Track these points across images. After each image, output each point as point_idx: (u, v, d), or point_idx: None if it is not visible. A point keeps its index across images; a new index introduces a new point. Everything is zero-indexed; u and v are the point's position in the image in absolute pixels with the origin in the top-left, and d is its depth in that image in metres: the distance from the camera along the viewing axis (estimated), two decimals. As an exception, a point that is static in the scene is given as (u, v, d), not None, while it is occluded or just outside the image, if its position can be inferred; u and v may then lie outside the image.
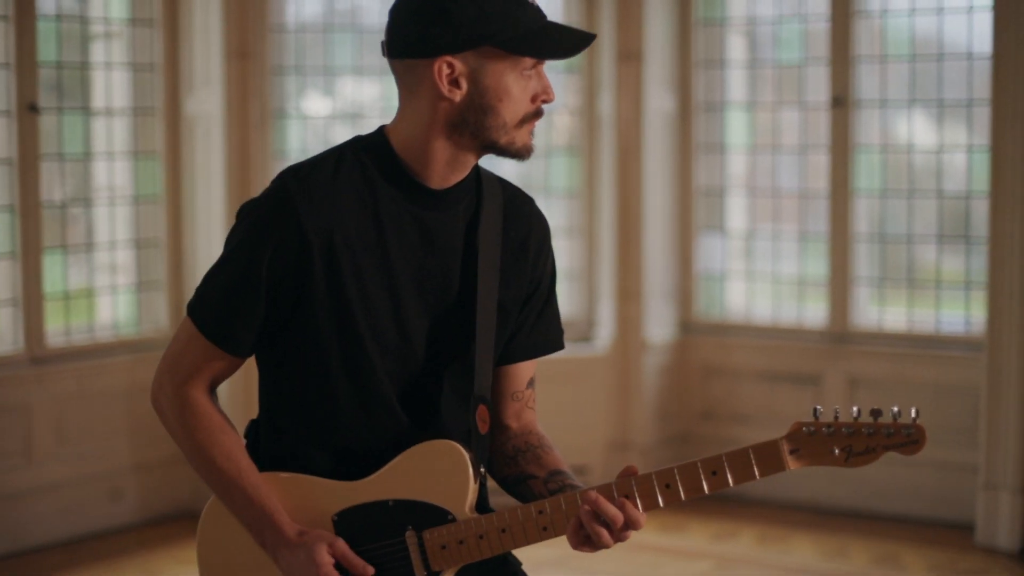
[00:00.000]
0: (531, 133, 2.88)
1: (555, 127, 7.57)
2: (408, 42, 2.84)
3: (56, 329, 6.75)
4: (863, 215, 7.21)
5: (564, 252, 7.53)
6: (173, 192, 7.06)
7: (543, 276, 3.05)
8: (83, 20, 6.83)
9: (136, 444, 6.83)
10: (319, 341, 2.86)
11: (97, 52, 6.89)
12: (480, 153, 2.90)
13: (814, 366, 7.19)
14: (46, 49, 6.64)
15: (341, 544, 2.82)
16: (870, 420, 2.71)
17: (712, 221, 7.66)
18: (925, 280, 7.14)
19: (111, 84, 6.91)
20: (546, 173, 7.56)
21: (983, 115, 6.79)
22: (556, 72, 7.39)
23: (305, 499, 2.88)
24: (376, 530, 2.86)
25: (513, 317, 3.01)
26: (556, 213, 7.57)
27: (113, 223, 6.95)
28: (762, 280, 7.56)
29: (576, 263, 7.53)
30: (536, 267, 3.04)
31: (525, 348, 3.05)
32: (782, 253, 7.51)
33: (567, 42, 2.86)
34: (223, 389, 3.07)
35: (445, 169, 2.89)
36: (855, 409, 2.73)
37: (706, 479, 2.75)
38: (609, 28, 7.32)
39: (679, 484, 2.75)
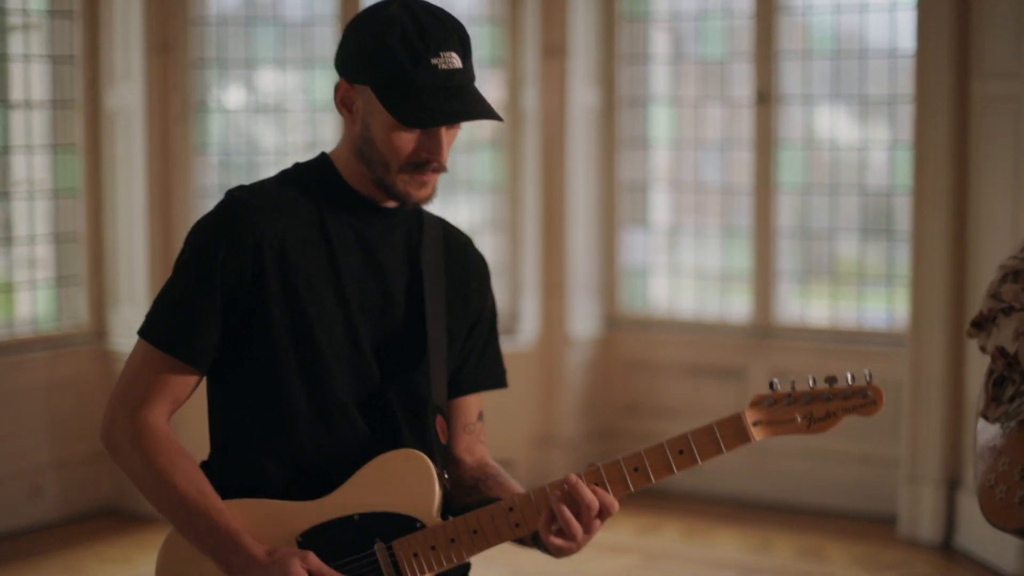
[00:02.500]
0: (421, 185, 2.83)
1: (479, 122, 7.53)
2: (335, 57, 2.89)
3: (-26, 324, 6.67)
4: (786, 210, 7.24)
5: (488, 247, 7.51)
6: (93, 186, 6.98)
7: (484, 310, 3.07)
8: (0, 11, 6.73)
9: (56, 441, 6.75)
10: (276, 348, 2.83)
11: (15, 44, 6.79)
12: (379, 189, 2.86)
13: (738, 360, 7.21)
14: (-37, 40, 6.56)
15: (313, 558, 2.75)
16: (826, 386, 2.77)
17: (636, 216, 7.66)
18: (847, 275, 7.18)
19: (29, 76, 6.81)
20: (469, 167, 7.53)
21: (905, 112, 6.84)
22: (481, 67, 7.35)
23: (268, 522, 2.82)
24: (343, 546, 2.81)
25: (459, 344, 3.01)
26: (480, 207, 7.55)
27: (32, 217, 6.86)
28: (686, 275, 7.57)
29: (500, 258, 7.51)
30: (478, 299, 3.05)
31: (473, 380, 3.06)
32: (705, 248, 7.53)
33: (433, 112, 2.77)
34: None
35: (377, 191, 2.89)
36: (810, 378, 2.79)
37: (674, 458, 2.78)
38: (533, 23, 7.30)
39: (647, 466, 2.78)
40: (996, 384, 3.44)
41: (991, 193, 6.13)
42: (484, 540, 2.79)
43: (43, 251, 6.92)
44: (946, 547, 6.31)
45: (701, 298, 7.53)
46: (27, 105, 6.79)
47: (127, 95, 6.87)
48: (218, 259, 2.80)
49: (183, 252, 2.86)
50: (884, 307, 7.08)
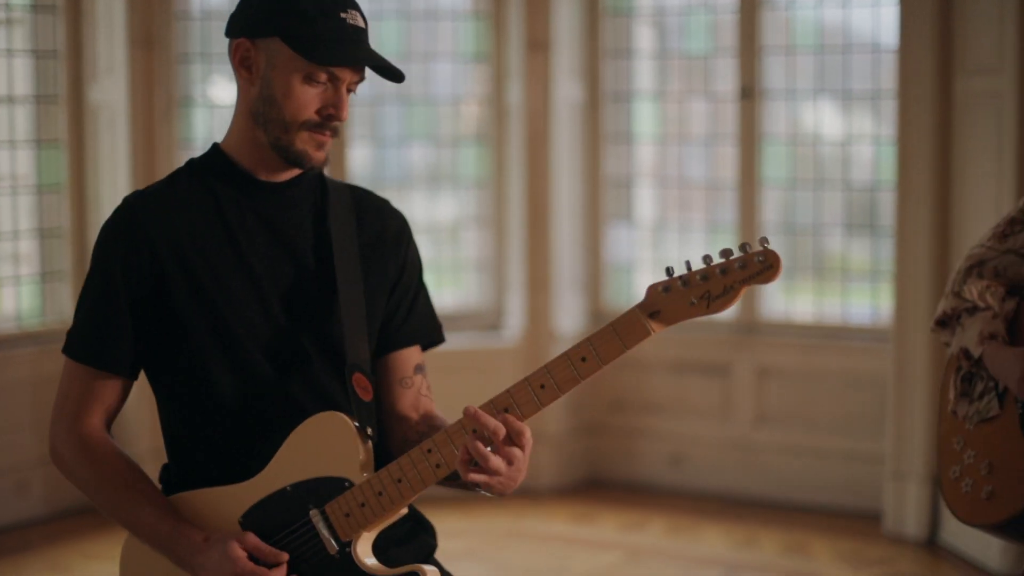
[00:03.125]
0: (319, 145, 2.89)
1: (463, 116, 7.55)
2: (227, 22, 2.94)
3: (-43, 321, 6.65)
4: (771, 205, 7.24)
5: (473, 242, 7.51)
6: (77, 181, 6.96)
7: (407, 264, 3.10)
8: (-16, 6, 6.72)
9: (41, 437, 6.68)
10: (194, 345, 2.90)
11: (-2, 39, 6.78)
12: (275, 152, 2.91)
13: (723, 356, 7.22)
14: (-54, 36, 6.53)
15: (251, 537, 2.83)
16: (722, 260, 2.68)
17: (620, 211, 7.66)
18: (832, 270, 7.18)
19: (12, 71, 6.79)
20: (454, 163, 7.53)
21: (889, 107, 6.85)
22: (465, 63, 7.37)
23: (209, 510, 2.89)
24: (283, 519, 2.86)
25: (382, 308, 3.04)
26: (464, 203, 7.55)
27: (16, 213, 6.84)
28: (671, 270, 7.56)
29: (485, 253, 7.51)
30: (397, 255, 3.08)
31: (402, 336, 3.08)
32: (690, 243, 7.53)
33: (350, 54, 2.86)
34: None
35: (271, 162, 2.94)
36: (705, 255, 2.70)
37: (576, 367, 2.74)
38: (517, 17, 7.30)
39: (553, 381, 2.74)
40: (965, 380, 3.45)
41: (974, 188, 6.14)
42: (409, 487, 2.81)
43: (27, 247, 6.90)
44: (931, 543, 6.32)
45: (686, 293, 7.52)
46: (10, 100, 6.77)
47: (111, 90, 6.86)
48: (117, 268, 2.88)
49: (92, 257, 2.95)
50: (869, 303, 7.09)
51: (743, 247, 2.67)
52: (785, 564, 6.19)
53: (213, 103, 7.24)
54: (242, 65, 2.89)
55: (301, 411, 2.90)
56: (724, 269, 2.67)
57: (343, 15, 2.85)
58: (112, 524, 6.61)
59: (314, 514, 2.83)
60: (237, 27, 2.90)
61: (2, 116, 6.77)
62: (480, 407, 2.75)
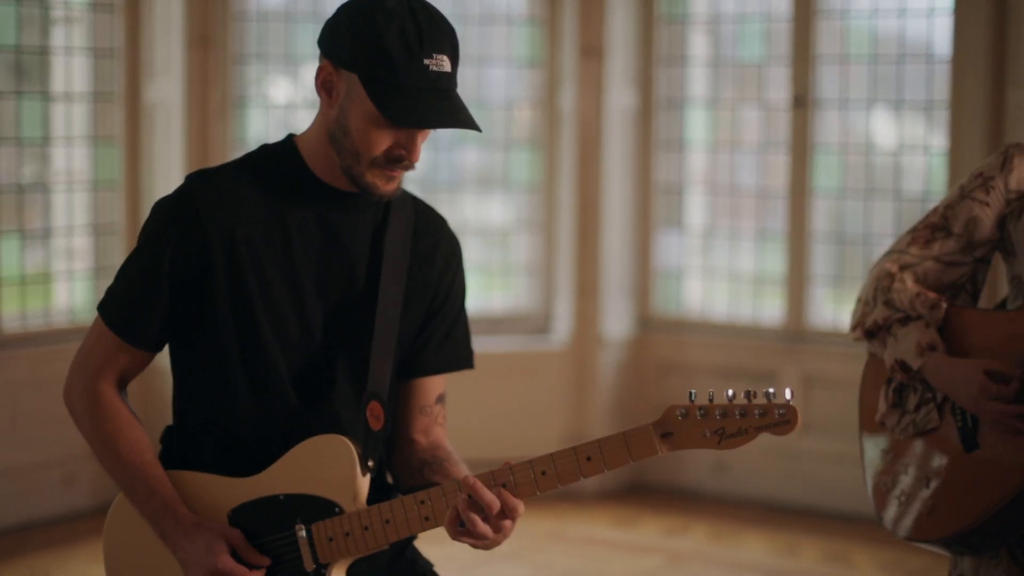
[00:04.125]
0: (388, 180, 2.85)
1: (516, 121, 7.58)
2: (320, 30, 2.89)
3: (11, 314, 6.72)
4: (821, 214, 7.24)
5: (523, 246, 7.54)
6: (131, 179, 7.03)
7: (451, 292, 3.09)
8: (43, 4, 6.79)
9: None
10: (220, 334, 2.91)
11: (57, 36, 6.85)
12: (346, 176, 2.88)
13: (770, 364, 7.22)
14: (5, 32, 6.62)
15: (237, 534, 2.86)
16: (744, 401, 2.69)
17: (671, 218, 7.67)
18: (881, 280, 7.16)
19: (71, 69, 6.87)
20: (506, 167, 7.56)
21: (942, 117, 6.83)
22: (519, 67, 7.40)
23: (201, 496, 2.93)
24: (269, 524, 2.89)
25: (416, 326, 3.04)
26: (515, 207, 7.58)
27: (71, 208, 6.92)
28: (720, 277, 7.58)
29: (535, 257, 7.53)
30: (443, 281, 3.07)
31: (433, 362, 3.08)
32: (740, 251, 7.53)
33: (418, 113, 2.78)
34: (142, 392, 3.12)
35: (343, 179, 2.91)
36: (729, 391, 2.71)
37: (580, 464, 2.75)
38: (571, 23, 7.32)
39: (555, 470, 2.76)
40: (896, 391, 3.41)
41: (1025, 201, 6.12)
42: (395, 531, 2.83)
43: (81, 242, 6.98)
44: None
45: (734, 301, 7.54)
46: (68, 97, 6.85)
47: (167, 89, 6.93)
48: (166, 251, 2.88)
49: (143, 228, 2.95)
50: (917, 313, 7.06)
51: (768, 394, 2.70)
52: (826, 572, 6.19)
53: (269, 103, 7.30)
54: (323, 87, 2.85)
55: (308, 429, 2.91)
56: (743, 411, 2.69)
57: (427, 61, 2.77)
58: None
59: (299, 529, 2.86)
60: (326, 45, 2.85)
61: (60, 113, 6.86)
62: (479, 476, 2.76)
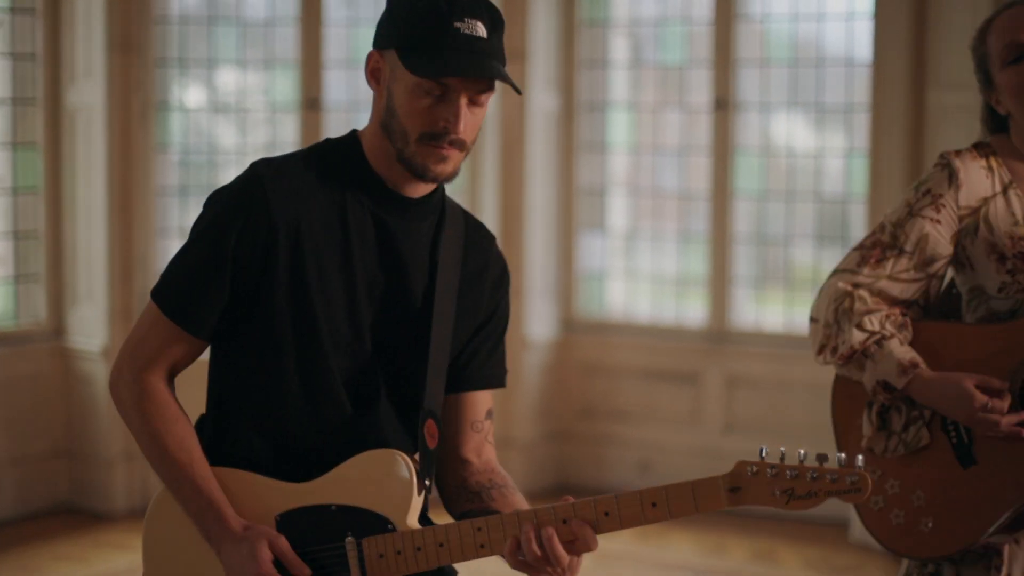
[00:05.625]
0: (440, 159, 2.79)
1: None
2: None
3: (-68, 321, 6.66)
4: (742, 216, 7.30)
5: (447, 249, 7.53)
6: (53, 184, 6.98)
7: (498, 310, 3.05)
8: (-37, 8, 6.73)
9: (12, 438, 6.74)
10: (276, 328, 2.85)
11: (-24, 41, 6.80)
12: (401, 164, 2.84)
13: (693, 364, 7.27)
14: (-75, 37, 6.55)
15: (283, 542, 2.81)
16: (816, 464, 2.66)
17: (593, 220, 7.71)
18: (803, 281, 7.24)
19: (-9, 73, 6.82)
20: (429, 170, 7.55)
21: (861, 120, 6.91)
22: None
23: (250, 496, 2.87)
24: (318, 533, 2.85)
25: (464, 340, 3.00)
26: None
27: (-9, 214, 6.87)
28: (642, 279, 7.63)
29: (458, 260, 7.53)
30: (492, 299, 3.03)
31: (482, 377, 3.04)
32: (662, 252, 7.58)
33: (450, 66, 2.74)
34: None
35: (401, 175, 2.86)
36: (801, 452, 2.69)
37: (645, 511, 2.72)
38: (494, 26, 7.32)
39: (619, 513, 2.73)
40: (879, 414, 3.42)
41: (945, 202, 6.19)
42: (448, 555, 2.79)
43: (2, 248, 6.91)
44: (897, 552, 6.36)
45: (657, 302, 7.59)
46: (-12, 102, 6.80)
47: (88, 93, 6.87)
48: (232, 235, 2.82)
49: (202, 218, 2.88)
50: (838, 313, 7.13)
51: (839, 459, 2.67)
52: (753, 571, 6.24)
53: (189, 108, 7.27)
54: (372, 76, 2.83)
55: (362, 439, 2.87)
56: (815, 475, 2.66)
57: (458, 24, 2.75)
58: (82, 525, 6.63)
59: (350, 542, 2.82)
60: (374, 36, 2.86)
61: (-21, 117, 6.80)
62: (542, 510, 2.73)
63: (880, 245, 3.39)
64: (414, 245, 2.91)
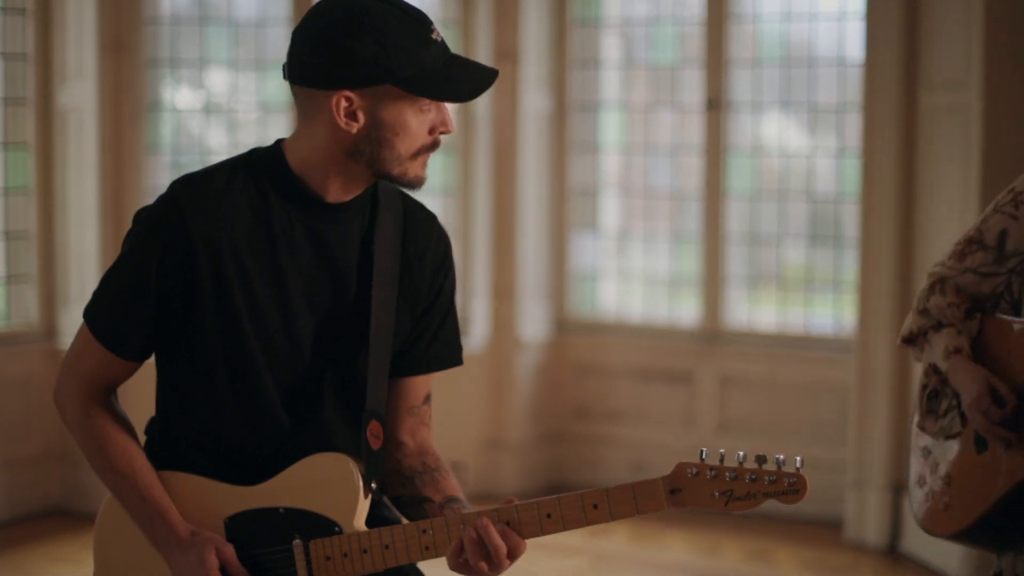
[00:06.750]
0: (424, 165, 2.87)
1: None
2: (307, 72, 2.84)
3: (-77, 323, 6.64)
4: (735, 216, 7.30)
5: (439, 249, 7.52)
6: (44, 184, 6.96)
7: (442, 291, 3.06)
8: (-47, 8, 6.71)
9: (5, 440, 6.72)
10: (206, 346, 2.88)
11: (-33, 41, 6.77)
12: (373, 179, 2.89)
13: (686, 364, 7.26)
14: (-84, 37, 6.53)
15: (229, 550, 2.84)
16: (754, 466, 2.72)
17: (586, 220, 7.70)
18: (795, 281, 7.24)
19: (-19, 74, 6.79)
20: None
21: (853, 120, 6.91)
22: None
23: (199, 500, 2.90)
24: (266, 536, 2.88)
25: (407, 328, 3.01)
26: (431, 211, 7.55)
27: (-18, 215, 6.84)
28: (635, 279, 7.62)
29: (451, 261, 7.52)
30: (435, 280, 3.04)
31: (424, 361, 3.06)
32: (655, 252, 7.58)
33: (468, 83, 2.85)
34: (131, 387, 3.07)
35: (341, 188, 2.89)
36: (740, 454, 2.73)
37: (587, 512, 2.77)
38: (485, 27, 7.33)
39: (560, 514, 2.78)
40: (931, 397, 3.54)
41: (938, 201, 6.20)
42: (394, 556, 2.83)
43: (-7, 249, 6.90)
44: (892, 551, 6.38)
45: (650, 303, 7.58)
46: (-21, 103, 6.77)
47: (79, 94, 6.86)
48: (152, 262, 2.84)
49: (129, 234, 2.91)
50: (831, 313, 7.15)
51: (778, 461, 2.72)
52: (748, 571, 6.24)
53: (179, 108, 7.25)
54: (348, 116, 2.80)
55: (299, 445, 2.90)
56: (754, 476, 2.71)
57: (433, 36, 2.84)
58: (75, 527, 6.61)
59: (297, 545, 2.85)
60: (326, 79, 2.81)
61: (-30, 118, 6.78)
62: (485, 513, 2.78)
63: (967, 239, 3.59)
64: (346, 246, 2.93)
